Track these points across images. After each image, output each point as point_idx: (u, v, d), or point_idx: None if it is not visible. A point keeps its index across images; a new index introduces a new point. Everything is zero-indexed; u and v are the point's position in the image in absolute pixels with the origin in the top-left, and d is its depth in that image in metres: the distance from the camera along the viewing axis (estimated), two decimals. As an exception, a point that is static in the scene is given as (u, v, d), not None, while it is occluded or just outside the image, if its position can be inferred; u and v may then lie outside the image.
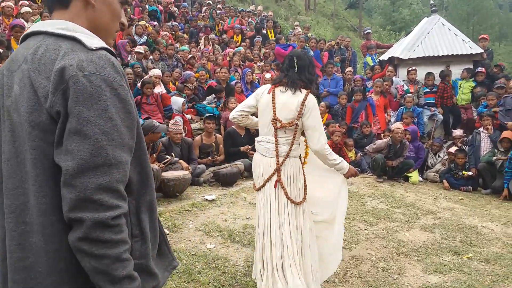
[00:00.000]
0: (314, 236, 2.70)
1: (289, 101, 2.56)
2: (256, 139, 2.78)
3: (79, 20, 1.03)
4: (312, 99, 2.56)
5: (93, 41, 0.98)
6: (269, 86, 2.74)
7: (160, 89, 6.75)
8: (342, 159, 2.69)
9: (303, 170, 2.70)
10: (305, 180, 2.69)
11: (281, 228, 2.56)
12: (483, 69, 7.77)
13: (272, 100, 2.61)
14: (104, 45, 0.99)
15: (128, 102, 0.97)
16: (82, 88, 0.90)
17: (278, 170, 2.59)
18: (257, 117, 2.90)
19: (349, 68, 9.31)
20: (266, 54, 10.41)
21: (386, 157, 6.44)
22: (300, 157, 2.73)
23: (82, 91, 0.90)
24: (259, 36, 11.58)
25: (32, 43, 1.00)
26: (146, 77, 6.77)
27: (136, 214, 1.06)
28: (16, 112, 0.97)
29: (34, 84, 0.96)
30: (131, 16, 10.56)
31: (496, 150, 6.11)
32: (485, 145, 6.33)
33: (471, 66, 8.05)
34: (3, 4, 7.71)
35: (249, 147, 6.39)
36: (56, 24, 1.00)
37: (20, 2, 8.45)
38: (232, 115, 2.92)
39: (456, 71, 7.97)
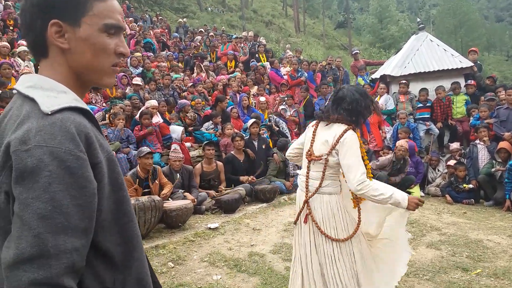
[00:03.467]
0: (370, 271, 2.51)
1: (326, 135, 2.48)
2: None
3: (60, 67, 0.96)
4: (349, 135, 2.39)
5: (54, 101, 0.87)
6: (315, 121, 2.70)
7: (157, 119, 6.80)
8: (394, 190, 2.35)
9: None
10: (359, 217, 2.51)
11: (321, 269, 2.43)
12: (473, 82, 7.91)
13: (313, 133, 2.58)
14: (68, 104, 0.88)
15: (83, 176, 0.83)
16: (22, 166, 0.79)
17: (307, 204, 2.49)
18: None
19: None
20: (258, 80, 10.55)
21: (389, 174, 6.50)
22: (354, 196, 2.55)
23: (22, 169, 0.79)
24: (253, 60, 11.77)
25: (11, 102, 0.96)
26: (143, 108, 6.83)
27: None
28: None
29: None
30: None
31: (494, 161, 6.14)
32: (483, 157, 6.37)
33: (462, 80, 8.20)
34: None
35: (250, 178, 6.39)
36: (26, 81, 0.94)
37: (19, 42, 8.61)
38: (287, 154, 2.92)
39: (448, 85, 8.10)
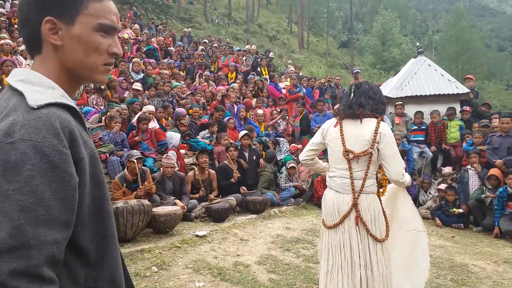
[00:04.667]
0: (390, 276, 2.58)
1: (360, 131, 2.50)
2: (328, 174, 2.68)
3: (51, 63, 0.97)
4: (385, 126, 2.50)
5: (41, 96, 0.89)
6: (334, 120, 2.70)
7: (153, 124, 6.85)
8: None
9: (381, 206, 2.59)
10: (385, 217, 2.59)
11: (366, 270, 2.44)
12: (468, 108, 8.03)
13: (340, 132, 2.56)
14: (54, 100, 0.90)
15: (65, 170, 0.84)
16: (5, 158, 0.80)
17: (355, 206, 2.47)
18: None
19: (337, 106, 9.55)
20: (257, 92, 10.63)
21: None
22: (378, 193, 2.63)
23: (5, 160, 0.80)
24: (253, 73, 11.90)
25: (1, 94, 0.97)
26: (140, 113, 6.88)
27: None
28: None
29: None
30: (128, 54, 10.89)
31: (484, 188, 6.18)
32: (474, 182, 6.41)
33: (458, 105, 8.31)
34: (1, 41, 7.93)
35: (242, 188, 6.45)
36: (17, 75, 0.96)
37: (20, 39, 8.71)
38: (301, 157, 2.86)
39: (443, 110, 8.21)
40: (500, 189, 5.78)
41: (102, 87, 7.33)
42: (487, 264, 4.50)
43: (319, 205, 6.98)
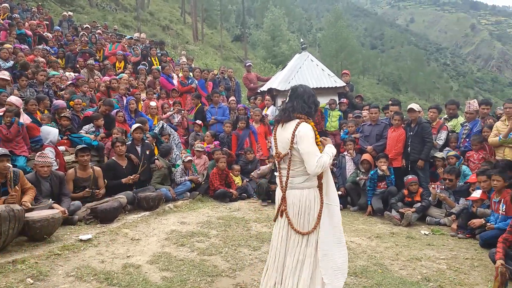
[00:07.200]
0: (318, 270, 2.72)
1: (284, 134, 2.76)
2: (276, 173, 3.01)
3: None
4: (303, 127, 2.67)
5: None
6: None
7: (24, 118, 6.02)
8: (328, 150, 2.75)
9: (320, 201, 2.75)
10: (320, 211, 2.73)
11: (286, 255, 2.76)
12: (345, 100, 8.89)
13: (274, 136, 2.88)
14: None
15: None
16: None
17: (283, 200, 2.78)
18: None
19: (232, 98, 9.72)
20: (150, 83, 10.21)
21: (269, 182, 6.85)
22: (320, 187, 2.77)
23: None
24: (144, 63, 11.32)
25: None
26: (6, 106, 5.98)
27: None
28: None
29: None
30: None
31: (358, 171, 6.94)
32: (350, 167, 7.15)
33: (337, 98, 9.14)
34: None
35: (131, 177, 6.12)
36: None
37: None
38: None
39: (324, 101, 8.94)
40: (371, 172, 6.56)
41: None
42: (362, 240, 5.06)
43: (215, 198, 7.07)
